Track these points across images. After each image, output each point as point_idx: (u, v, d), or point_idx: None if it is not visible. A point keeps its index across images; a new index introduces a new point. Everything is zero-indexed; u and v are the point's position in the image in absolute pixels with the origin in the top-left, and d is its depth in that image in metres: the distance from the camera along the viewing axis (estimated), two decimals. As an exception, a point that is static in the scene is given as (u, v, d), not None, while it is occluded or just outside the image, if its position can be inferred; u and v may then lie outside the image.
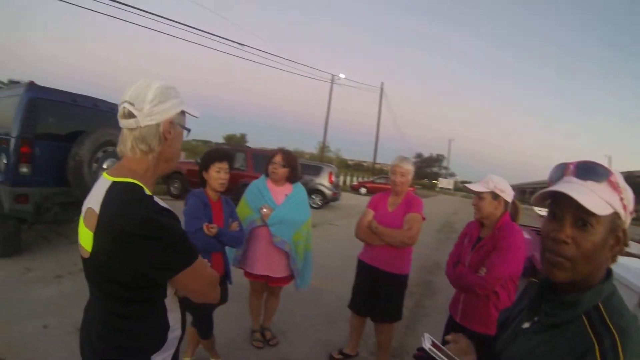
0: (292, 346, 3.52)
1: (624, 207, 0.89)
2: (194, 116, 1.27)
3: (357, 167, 67.91)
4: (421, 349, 1.20)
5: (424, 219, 3.11)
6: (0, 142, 5.03)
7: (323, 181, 14.75)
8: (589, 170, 0.91)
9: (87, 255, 1.11)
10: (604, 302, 0.88)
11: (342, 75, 35.87)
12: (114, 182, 1.11)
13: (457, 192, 64.47)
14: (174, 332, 1.22)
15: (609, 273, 0.93)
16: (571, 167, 0.93)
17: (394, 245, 3.01)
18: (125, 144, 1.15)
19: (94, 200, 1.12)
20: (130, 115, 1.12)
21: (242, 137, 69.13)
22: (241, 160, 11.93)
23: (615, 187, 0.88)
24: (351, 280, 3.40)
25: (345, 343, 3.53)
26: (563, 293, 0.95)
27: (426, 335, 1.22)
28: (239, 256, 3.23)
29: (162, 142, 1.16)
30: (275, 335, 3.55)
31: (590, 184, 0.89)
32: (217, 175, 2.68)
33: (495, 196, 2.36)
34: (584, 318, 0.88)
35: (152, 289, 1.13)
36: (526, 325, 1.01)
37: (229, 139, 65.44)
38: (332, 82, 34.66)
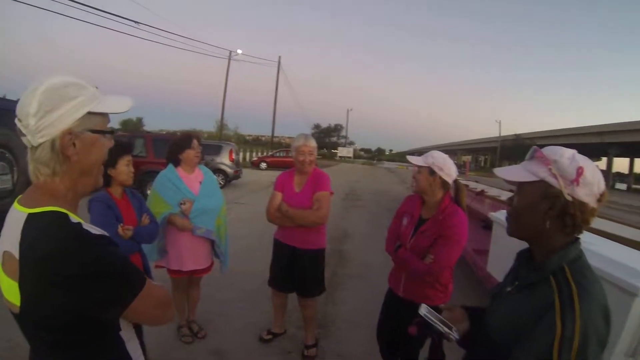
0: (221, 335, 3.53)
1: (555, 175, 1.05)
2: (116, 112, 1.04)
3: (255, 143, 67.71)
4: (418, 317, 1.35)
5: (332, 193, 3.17)
6: None
7: (224, 160, 14.51)
8: (528, 153, 1.17)
9: (17, 310, 0.91)
10: (569, 264, 1.05)
11: (239, 51, 35.79)
12: (31, 215, 0.91)
13: (357, 160, 66.79)
14: None
15: (575, 241, 1.09)
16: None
17: (305, 226, 3.06)
18: (29, 167, 0.96)
19: (8, 241, 0.91)
20: (22, 133, 0.93)
21: (139, 121, 65.23)
22: (140, 147, 11.25)
23: (543, 160, 1.09)
24: (265, 257, 3.45)
25: (271, 322, 3.61)
26: (536, 259, 1.15)
27: (423, 305, 1.39)
28: (162, 252, 3.13)
29: (65, 160, 0.95)
30: (202, 327, 3.52)
31: (524, 162, 1.16)
32: (127, 169, 2.52)
33: (432, 172, 2.34)
34: (552, 278, 1.05)
35: (101, 328, 0.97)
36: (508, 289, 1.21)
37: (125, 124, 61.14)
38: (230, 58, 34.13)
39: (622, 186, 54.54)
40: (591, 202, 1.05)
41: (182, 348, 3.28)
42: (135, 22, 17.89)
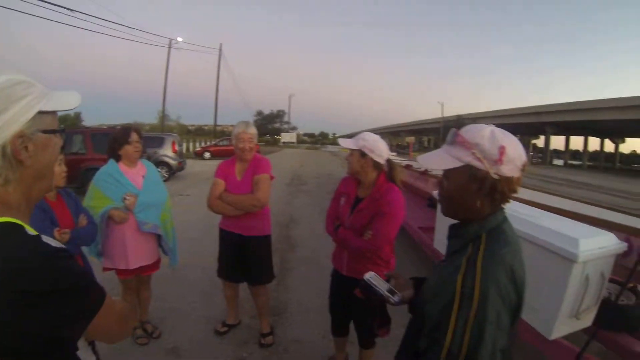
0: (176, 332, 3.46)
1: (479, 158, 1.08)
2: (67, 109, 0.95)
3: (198, 132, 66.29)
4: (363, 282, 1.42)
5: (272, 177, 3.15)
6: None
7: (167, 152, 14.04)
8: (447, 137, 1.19)
9: None
10: (488, 233, 1.12)
11: (180, 39, 34.85)
12: None
13: (301, 145, 66.88)
14: None
15: (496, 212, 1.16)
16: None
17: (246, 210, 3.04)
18: None
19: None
20: None
21: (77, 116, 61.70)
22: (79, 143, 10.55)
23: (465, 145, 1.11)
24: (213, 250, 3.42)
25: (225, 314, 3.59)
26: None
27: (370, 272, 1.45)
28: (99, 254, 2.97)
29: (17, 166, 0.85)
30: (156, 326, 3.44)
31: (446, 147, 1.19)
32: (60, 169, 2.38)
33: (362, 154, 2.38)
34: (471, 245, 1.12)
35: (59, 350, 0.86)
36: (443, 259, 1.30)
37: (63, 120, 57.55)
38: (170, 46, 33.13)
39: (559, 162, 59.17)
40: (516, 174, 1.10)
41: (138, 350, 3.18)
42: (69, 9, 16.72)
